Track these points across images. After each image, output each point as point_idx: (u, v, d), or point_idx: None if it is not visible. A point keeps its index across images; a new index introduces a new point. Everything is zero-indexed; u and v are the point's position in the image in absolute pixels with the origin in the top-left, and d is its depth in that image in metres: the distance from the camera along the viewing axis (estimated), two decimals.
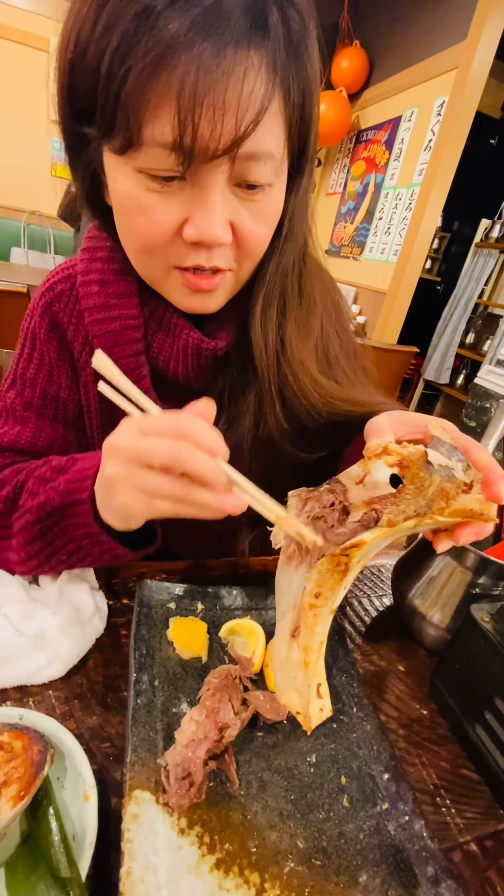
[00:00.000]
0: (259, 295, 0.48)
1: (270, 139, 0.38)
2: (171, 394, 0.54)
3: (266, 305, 0.49)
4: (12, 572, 0.50)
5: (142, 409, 0.36)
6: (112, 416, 0.58)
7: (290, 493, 0.43)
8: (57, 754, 0.34)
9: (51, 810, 0.31)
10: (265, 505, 0.36)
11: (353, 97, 3.41)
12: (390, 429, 0.40)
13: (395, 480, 0.37)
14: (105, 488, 0.38)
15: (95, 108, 0.36)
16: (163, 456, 0.32)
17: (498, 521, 0.59)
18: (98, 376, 0.35)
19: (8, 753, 0.33)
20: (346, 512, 0.39)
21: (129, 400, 0.36)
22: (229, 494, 0.34)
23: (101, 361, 0.35)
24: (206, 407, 0.35)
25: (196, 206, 0.38)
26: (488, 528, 0.37)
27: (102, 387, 0.36)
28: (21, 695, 0.41)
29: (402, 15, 3.00)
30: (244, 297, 0.49)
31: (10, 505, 0.48)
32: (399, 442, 0.39)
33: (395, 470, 0.36)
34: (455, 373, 3.94)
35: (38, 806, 0.32)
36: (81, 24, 0.34)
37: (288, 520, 0.37)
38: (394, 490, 0.36)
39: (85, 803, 0.32)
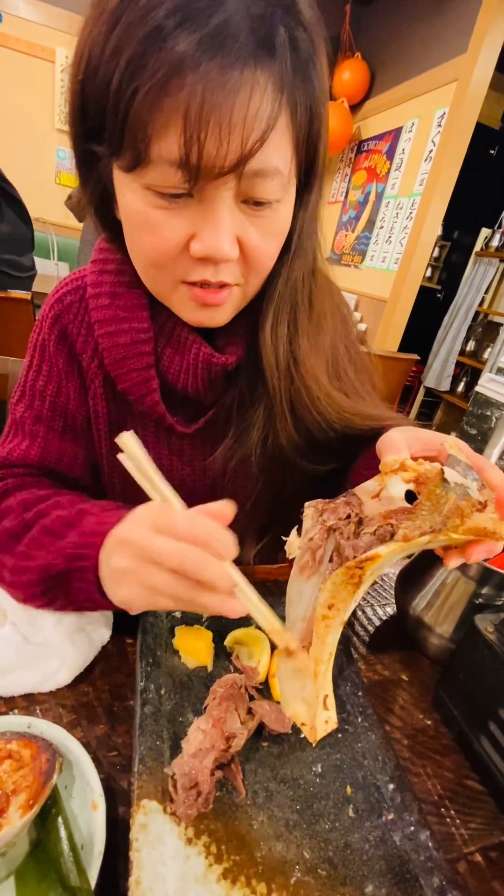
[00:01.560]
0: (269, 311, 0.49)
1: (277, 156, 0.38)
2: (180, 407, 0.54)
3: (276, 321, 0.49)
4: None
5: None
6: (120, 426, 0.58)
7: (306, 503, 0.43)
8: (65, 763, 0.35)
9: (60, 819, 0.32)
10: (263, 613, 0.36)
11: (355, 108, 3.45)
12: (405, 445, 0.40)
13: (410, 497, 0.37)
14: (110, 579, 0.38)
15: (105, 126, 0.36)
16: (175, 562, 0.32)
17: None
18: (117, 449, 0.35)
19: (17, 762, 0.33)
20: (360, 525, 0.39)
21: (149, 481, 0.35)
22: (231, 599, 0.34)
23: (128, 443, 0.35)
24: (224, 507, 0.35)
25: (203, 223, 0.39)
26: (499, 547, 0.38)
27: (123, 458, 0.35)
28: (28, 703, 0.42)
29: (403, 28, 3.05)
30: (254, 313, 0.50)
31: (11, 541, 0.47)
32: (414, 459, 0.39)
33: (412, 486, 0.37)
34: (455, 380, 3.96)
35: (47, 815, 0.32)
36: (92, 45, 0.35)
37: (282, 633, 0.37)
38: (409, 505, 0.36)
39: (93, 812, 0.32)
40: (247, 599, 0.35)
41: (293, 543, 0.42)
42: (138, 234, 0.42)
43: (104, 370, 0.54)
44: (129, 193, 0.39)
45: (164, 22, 0.32)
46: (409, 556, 0.69)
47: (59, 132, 3.32)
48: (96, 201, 0.46)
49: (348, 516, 0.39)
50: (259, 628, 0.39)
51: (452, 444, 0.40)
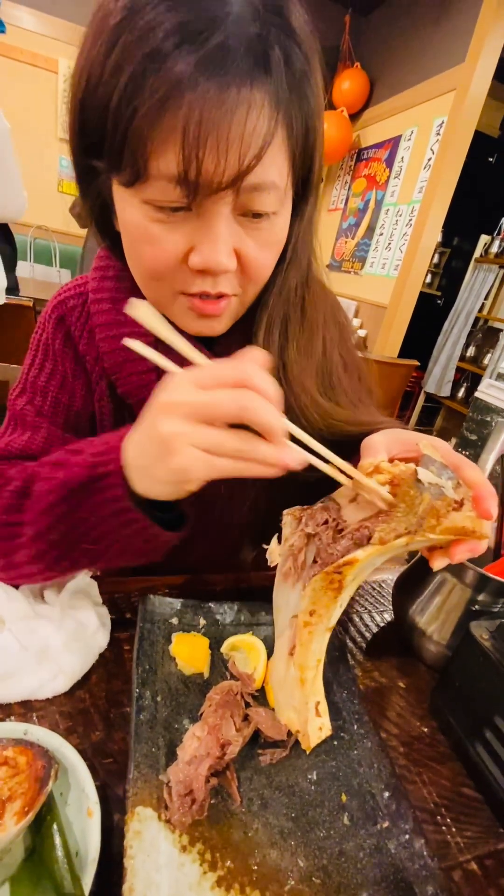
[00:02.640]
0: (262, 319, 0.50)
1: (274, 171, 0.39)
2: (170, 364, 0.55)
3: (269, 329, 0.50)
4: (19, 578, 0.48)
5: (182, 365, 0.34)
6: (123, 426, 0.59)
7: (284, 511, 0.43)
8: (60, 770, 0.35)
9: (55, 826, 0.32)
10: (324, 453, 0.35)
11: (354, 116, 3.49)
12: (384, 447, 0.41)
13: None
14: (160, 449, 0.33)
15: (105, 143, 0.37)
16: (229, 408, 0.31)
17: (498, 538, 0.60)
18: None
19: (12, 769, 0.33)
20: (339, 530, 0.40)
21: (170, 355, 0.35)
22: (290, 447, 0.33)
23: (143, 311, 0.34)
24: (261, 354, 0.34)
25: (201, 236, 0.40)
26: (482, 546, 0.38)
27: (135, 344, 0.34)
28: (25, 710, 0.42)
29: (402, 37, 3.09)
30: (250, 321, 0.51)
31: (20, 499, 0.44)
32: (392, 460, 0.40)
33: (387, 488, 0.37)
34: (456, 386, 3.96)
35: (42, 822, 0.32)
36: (92, 63, 0.36)
37: (351, 468, 0.36)
38: (385, 508, 0.37)
39: (88, 819, 0.32)
40: (303, 445, 0.34)
41: (274, 551, 0.42)
42: (138, 246, 0.42)
43: (107, 373, 0.55)
44: (129, 207, 0.40)
45: (163, 43, 0.33)
46: (408, 561, 0.69)
47: (61, 141, 3.36)
48: (96, 214, 0.47)
49: (326, 521, 0.39)
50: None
51: (427, 443, 0.40)
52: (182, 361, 0.35)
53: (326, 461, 0.37)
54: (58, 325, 0.56)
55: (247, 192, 0.38)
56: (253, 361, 0.33)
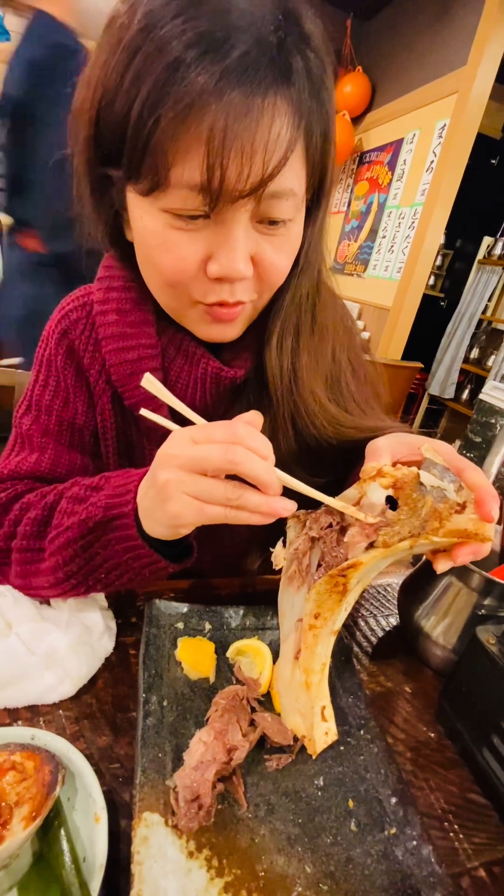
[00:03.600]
0: (275, 325, 0.50)
1: (293, 178, 0.40)
2: (188, 420, 0.55)
3: (282, 335, 0.50)
4: (36, 597, 0.50)
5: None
6: (128, 441, 0.59)
7: (289, 515, 0.43)
8: (68, 775, 0.35)
9: (62, 832, 0.32)
10: (318, 496, 0.38)
11: (356, 120, 3.50)
12: (388, 451, 0.41)
13: (392, 502, 0.38)
14: (157, 495, 0.37)
15: (122, 152, 0.38)
16: (218, 460, 0.33)
17: (503, 542, 0.60)
18: (138, 402, 0.37)
19: (20, 773, 0.33)
20: (343, 533, 0.40)
21: (176, 419, 0.39)
22: (279, 497, 0.35)
23: (150, 383, 0.38)
24: (253, 417, 0.37)
25: (220, 244, 0.40)
26: (485, 549, 0.38)
27: (145, 412, 0.39)
28: (32, 714, 0.42)
29: (404, 41, 3.10)
30: (260, 327, 0.51)
31: (41, 528, 0.48)
32: (395, 464, 0.40)
33: (390, 492, 0.37)
34: (460, 388, 3.95)
35: (50, 827, 0.32)
36: (110, 74, 0.36)
37: (347, 506, 0.38)
38: (390, 511, 0.37)
39: (95, 824, 0.32)
40: (297, 491, 0.37)
41: (279, 555, 0.42)
42: (155, 254, 0.42)
43: (112, 386, 0.55)
44: (146, 216, 0.40)
45: (185, 53, 0.33)
46: (413, 564, 0.69)
47: None
48: (109, 224, 0.47)
49: (330, 525, 0.40)
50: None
51: (429, 447, 0.40)
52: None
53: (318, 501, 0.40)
54: (60, 340, 0.55)
55: (266, 199, 0.39)
56: (246, 423, 0.36)
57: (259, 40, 0.34)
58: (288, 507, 0.35)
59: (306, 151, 0.40)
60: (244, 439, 0.34)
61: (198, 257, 0.41)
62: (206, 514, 0.35)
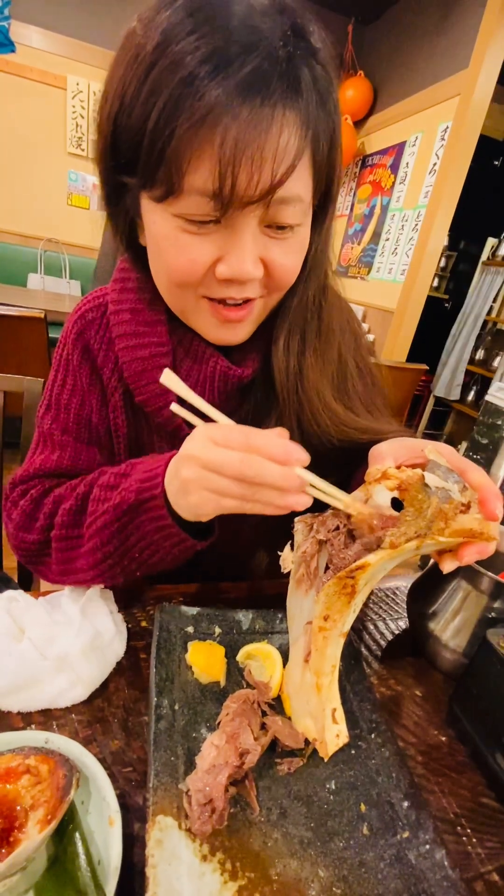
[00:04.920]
0: (283, 326, 0.52)
1: (300, 184, 0.41)
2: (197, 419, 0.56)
3: (289, 336, 0.52)
4: (75, 583, 0.53)
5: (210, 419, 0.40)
6: (139, 440, 0.60)
7: (296, 518, 0.44)
8: (81, 779, 0.35)
9: (77, 835, 0.32)
10: (336, 497, 0.39)
11: (359, 123, 3.51)
12: (391, 454, 0.42)
13: (397, 504, 0.38)
14: (180, 488, 0.40)
15: (137, 161, 0.39)
16: (233, 469, 0.35)
17: None
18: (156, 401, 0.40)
19: (35, 777, 0.34)
20: (350, 536, 0.40)
21: (198, 413, 0.40)
22: (294, 494, 0.36)
23: (170, 378, 0.39)
24: (278, 430, 0.38)
25: (229, 247, 0.41)
26: (490, 548, 0.39)
27: (175, 408, 0.40)
28: (45, 718, 0.42)
29: (405, 45, 3.11)
30: (267, 328, 0.52)
31: (77, 516, 0.51)
32: (399, 467, 0.40)
33: (396, 493, 0.38)
34: (465, 389, 3.94)
35: (65, 830, 0.32)
36: (127, 88, 0.38)
37: (357, 505, 0.39)
38: (395, 513, 0.37)
39: (109, 828, 0.33)
40: (318, 492, 0.38)
41: (287, 558, 0.43)
42: (166, 256, 0.44)
43: (123, 383, 0.57)
44: (159, 220, 0.42)
45: (199, 69, 0.35)
46: (421, 568, 0.69)
47: (70, 156, 3.42)
48: (124, 228, 0.49)
49: (337, 528, 0.40)
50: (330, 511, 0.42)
51: (432, 448, 0.41)
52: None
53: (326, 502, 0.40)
54: (77, 340, 0.57)
55: (275, 205, 0.40)
56: (267, 431, 0.37)
57: (269, 55, 0.36)
58: (302, 501, 0.36)
59: (313, 159, 0.42)
60: (261, 448, 0.35)
61: (208, 259, 0.42)
62: (223, 506, 0.38)
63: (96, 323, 0.57)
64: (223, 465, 0.36)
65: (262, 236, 0.43)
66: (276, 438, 0.36)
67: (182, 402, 0.40)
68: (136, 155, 0.39)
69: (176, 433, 0.57)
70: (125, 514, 0.45)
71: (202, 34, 0.35)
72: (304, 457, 0.36)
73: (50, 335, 1.79)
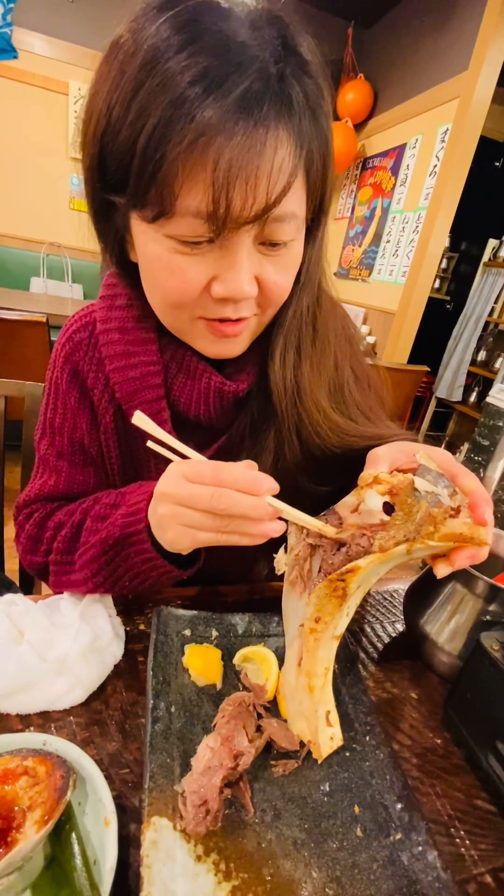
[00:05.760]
0: (278, 339, 0.51)
1: (294, 202, 0.41)
2: (193, 434, 0.56)
3: (285, 349, 0.51)
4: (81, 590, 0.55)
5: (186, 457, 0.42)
6: (133, 458, 0.60)
7: (277, 535, 0.44)
8: (78, 780, 0.36)
9: (73, 835, 0.33)
10: (306, 522, 0.41)
11: (359, 126, 3.52)
12: (387, 459, 0.43)
13: (389, 509, 0.39)
14: (157, 524, 0.43)
15: (127, 181, 0.38)
16: (204, 503, 0.37)
17: None
18: (141, 433, 0.41)
19: (32, 778, 0.34)
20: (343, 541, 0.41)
21: (174, 451, 0.41)
22: (267, 523, 0.37)
23: (142, 420, 0.41)
24: (247, 463, 0.39)
25: (224, 267, 0.41)
26: (482, 553, 0.39)
27: (151, 444, 0.41)
28: (43, 720, 0.43)
29: (405, 48, 3.12)
30: (262, 341, 0.52)
31: (71, 544, 0.54)
32: (392, 471, 0.41)
33: (387, 498, 0.38)
34: (467, 391, 3.94)
35: (61, 830, 0.33)
36: (113, 107, 0.37)
37: (326, 528, 0.41)
38: (387, 517, 0.38)
39: (105, 828, 0.33)
40: (289, 517, 0.40)
41: (281, 560, 0.43)
42: (160, 278, 0.43)
43: (114, 404, 0.56)
44: (151, 242, 0.41)
45: (189, 90, 0.34)
46: (420, 570, 0.69)
47: (72, 160, 3.44)
48: (113, 246, 0.48)
49: None
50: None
51: (423, 453, 0.41)
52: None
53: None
54: (65, 363, 0.57)
55: (270, 223, 0.40)
56: (238, 464, 0.38)
57: (260, 74, 0.35)
58: (276, 528, 0.38)
59: (307, 175, 0.41)
60: (230, 480, 0.36)
61: (202, 280, 0.42)
62: (199, 539, 0.40)
63: (84, 343, 0.56)
64: (194, 499, 0.37)
65: (256, 254, 0.42)
66: (246, 470, 0.37)
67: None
68: (125, 176, 0.38)
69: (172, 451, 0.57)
70: (111, 547, 0.47)
71: (191, 52, 0.34)
72: (274, 486, 0.38)
73: (52, 339, 1.80)
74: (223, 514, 0.37)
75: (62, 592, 0.56)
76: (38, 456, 0.61)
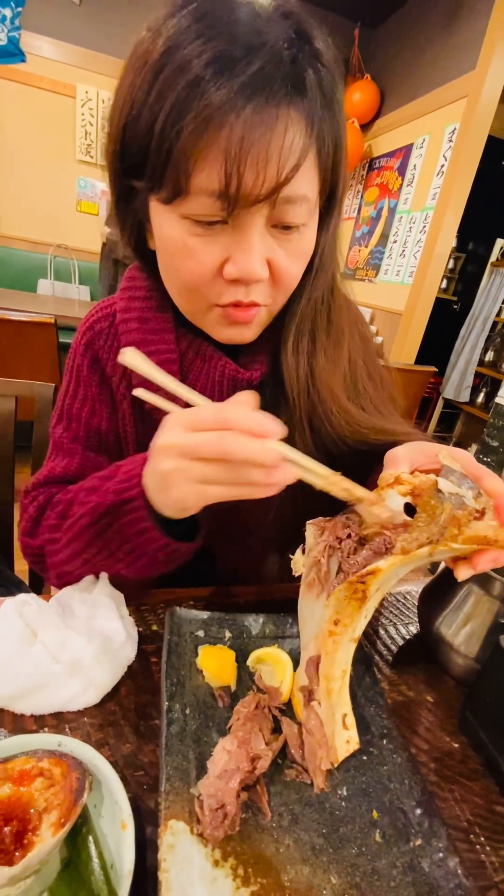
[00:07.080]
0: (291, 327, 0.52)
1: (306, 184, 0.42)
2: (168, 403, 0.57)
3: (298, 338, 0.52)
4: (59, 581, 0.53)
5: (181, 402, 0.39)
6: (148, 444, 0.61)
7: (308, 522, 0.44)
8: (94, 782, 0.35)
9: (90, 838, 0.32)
10: (316, 472, 0.38)
11: (366, 126, 3.51)
12: (406, 459, 0.42)
13: (410, 510, 0.38)
14: (160, 483, 0.39)
15: (146, 163, 0.40)
16: (211, 449, 0.34)
17: None
18: (131, 384, 0.38)
19: (48, 780, 0.34)
20: (361, 542, 0.40)
21: (168, 396, 0.39)
22: (279, 470, 0.35)
23: (132, 357, 0.38)
24: (247, 397, 0.38)
25: (237, 247, 0.42)
26: None
27: (138, 391, 0.39)
28: (58, 722, 0.43)
29: (412, 48, 3.11)
30: (275, 329, 0.53)
31: (61, 520, 0.51)
32: (414, 472, 0.40)
33: (408, 499, 0.37)
34: (475, 391, 3.91)
35: (78, 833, 0.33)
36: (136, 93, 0.39)
37: (341, 481, 0.38)
38: (408, 518, 0.37)
39: (122, 832, 0.33)
40: (297, 466, 0.37)
41: (298, 561, 0.43)
42: (175, 259, 0.45)
43: (132, 391, 0.57)
44: (167, 223, 0.43)
45: (204, 71, 0.35)
46: (432, 572, 0.68)
47: (79, 163, 3.47)
48: (132, 230, 0.50)
49: (349, 536, 0.40)
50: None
51: (446, 454, 0.40)
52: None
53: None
54: (86, 350, 0.58)
55: (281, 204, 0.41)
56: (238, 403, 0.37)
57: (273, 56, 0.36)
58: (288, 475, 0.35)
59: (318, 159, 0.42)
60: (235, 422, 0.34)
61: (216, 261, 0.43)
62: (208, 495, 0.37)
63: (104, 333, 0.58)
64: (200, 448, 0.34)
65: (268, 237, 0.43)
66: (252, 412, 0.35)
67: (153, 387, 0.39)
68: (144, 158, 0.40)
69: None
70: (102, 516, 0.45)
71: (207, 39, 0.36)
72: (280, 428, 0.35)
73: (60, 340, 1.81)
74: (231, 458, 0.34)
75: (59, 583, 0.54)
76: (53, 441, 0.61)
